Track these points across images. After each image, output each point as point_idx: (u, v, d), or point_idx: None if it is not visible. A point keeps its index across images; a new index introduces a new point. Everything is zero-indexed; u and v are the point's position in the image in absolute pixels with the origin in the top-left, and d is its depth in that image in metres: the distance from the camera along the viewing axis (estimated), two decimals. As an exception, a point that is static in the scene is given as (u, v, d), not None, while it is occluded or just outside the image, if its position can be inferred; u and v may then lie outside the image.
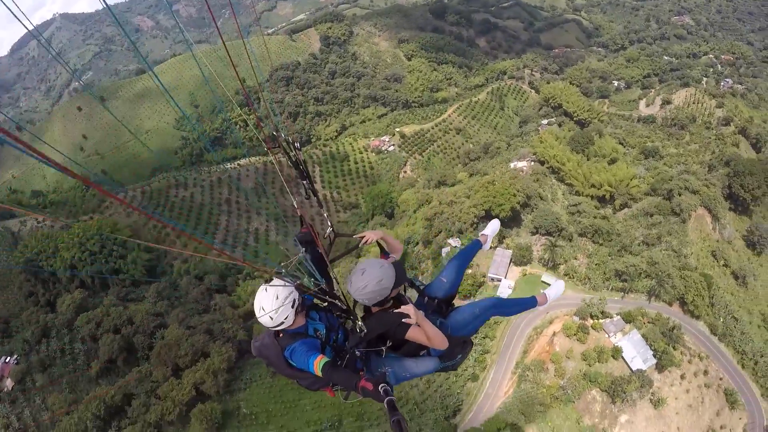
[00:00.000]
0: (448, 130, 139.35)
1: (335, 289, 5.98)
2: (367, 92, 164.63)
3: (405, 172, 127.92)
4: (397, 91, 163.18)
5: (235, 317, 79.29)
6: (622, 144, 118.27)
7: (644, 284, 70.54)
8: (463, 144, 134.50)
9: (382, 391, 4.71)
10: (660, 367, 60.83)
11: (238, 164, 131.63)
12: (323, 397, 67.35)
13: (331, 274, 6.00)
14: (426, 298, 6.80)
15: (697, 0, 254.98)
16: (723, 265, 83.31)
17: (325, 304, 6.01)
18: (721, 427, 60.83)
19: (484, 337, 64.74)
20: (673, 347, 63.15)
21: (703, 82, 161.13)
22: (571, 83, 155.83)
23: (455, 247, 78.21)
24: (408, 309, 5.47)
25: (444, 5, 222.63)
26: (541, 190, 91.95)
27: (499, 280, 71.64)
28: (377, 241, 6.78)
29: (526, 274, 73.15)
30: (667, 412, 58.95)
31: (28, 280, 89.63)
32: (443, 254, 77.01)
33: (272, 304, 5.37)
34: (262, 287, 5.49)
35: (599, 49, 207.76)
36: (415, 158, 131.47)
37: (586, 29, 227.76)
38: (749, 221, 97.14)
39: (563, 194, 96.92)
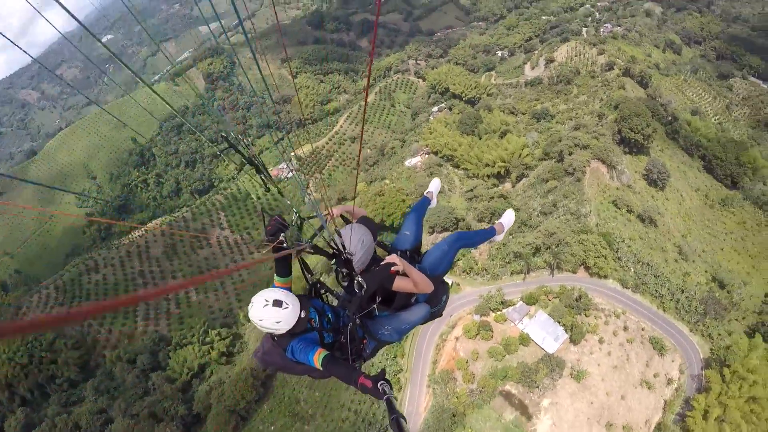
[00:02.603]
0: (342, 141, 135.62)
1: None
2: (259, 121, 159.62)
3: (309, 195, 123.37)
4: (288, 113, 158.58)
5: (173, 392, 76.35)
6: (513, 113, 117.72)
7: (545, 259, 68.79)
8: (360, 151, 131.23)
9: (380, 389, 4.81)
10: (574, 340, 59.12)
11: (145, 230, 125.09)
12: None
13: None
14: (398, 253, 6.81)
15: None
16: (627, 212, 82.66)
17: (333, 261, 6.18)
18: (655, 376, 59.46)
19: (393, 357, 61.88)
20: (585, 314, 61.77)
21: (583, 33, 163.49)
22: (456, 64, 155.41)
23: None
24: (392, 258, 5.93)
25: (321, 14, 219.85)
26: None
27: None
28: (341, 215, 6.95)
29: None
30: (592, 382, 57.28)
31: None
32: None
33: (276, 313, 5.47)
34: (261, 301, 5.52)
35: (479, 23, 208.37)
36: (315, 178, 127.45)
37: (464, 7, 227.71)
38: (647, 159, 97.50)
39: (460, 181, 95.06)
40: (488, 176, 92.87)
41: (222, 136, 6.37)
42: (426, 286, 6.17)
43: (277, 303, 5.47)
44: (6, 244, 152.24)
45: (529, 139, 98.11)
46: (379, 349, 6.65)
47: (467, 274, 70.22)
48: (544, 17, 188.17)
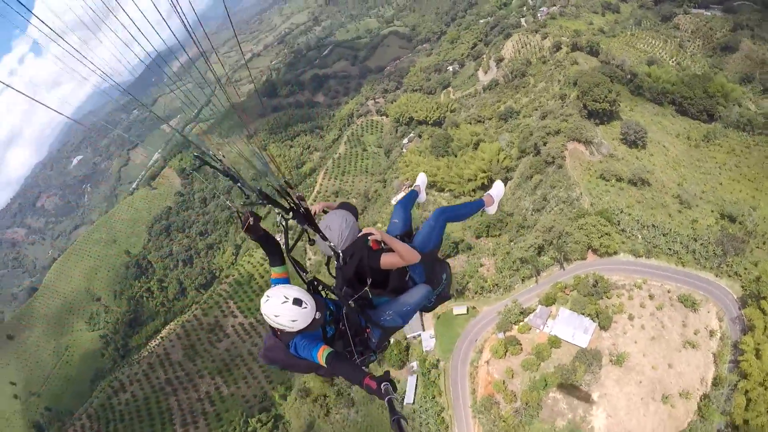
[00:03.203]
0: (326, 198, 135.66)
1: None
2: (241, 201, 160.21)
3: (309, 259, 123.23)
4: (268, 185, 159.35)
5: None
6: (480, 121, 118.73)
7: (551, 255, 68.44)
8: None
9: (383, 390, 4.85)
10: (603, 326, 58.45)
11: (161, 338, 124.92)
12: None
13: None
14: None
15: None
16: (617, 181, 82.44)
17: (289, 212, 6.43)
18: (696, 332, 58.44)
19: (432, 398, 61.30)
20: (607, 297, 61.14)
21: (523, 23, 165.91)
22: (412, 91, 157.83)
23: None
24: (368, 229, 6.06)
25: (272, 82, 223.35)
26: (427, 214, 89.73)
27: (419, 335, 69.19)
28: (323, 210, 6.95)
29: (439, 317, 69.62)
30: (634, 361, 56.39)
31: None
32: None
33: (293, 312, 5.43)
34: (279, 297, 5.48)
35: (424, 45, 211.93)
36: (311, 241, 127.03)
37: (404, 35, 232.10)
38: (620, 123, 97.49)
39: (448, 203, 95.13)
40: (474, 190, 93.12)
41: (195, 155, 6.44)
42: (411, 255, 6.12)
43: (297, 302, 5.48)
44: (30, 384, 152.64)
45: (502, 142, 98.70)
46: (386, 339, 6.66)
47: (479, 294, 69.88)
48: (481, 21, 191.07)
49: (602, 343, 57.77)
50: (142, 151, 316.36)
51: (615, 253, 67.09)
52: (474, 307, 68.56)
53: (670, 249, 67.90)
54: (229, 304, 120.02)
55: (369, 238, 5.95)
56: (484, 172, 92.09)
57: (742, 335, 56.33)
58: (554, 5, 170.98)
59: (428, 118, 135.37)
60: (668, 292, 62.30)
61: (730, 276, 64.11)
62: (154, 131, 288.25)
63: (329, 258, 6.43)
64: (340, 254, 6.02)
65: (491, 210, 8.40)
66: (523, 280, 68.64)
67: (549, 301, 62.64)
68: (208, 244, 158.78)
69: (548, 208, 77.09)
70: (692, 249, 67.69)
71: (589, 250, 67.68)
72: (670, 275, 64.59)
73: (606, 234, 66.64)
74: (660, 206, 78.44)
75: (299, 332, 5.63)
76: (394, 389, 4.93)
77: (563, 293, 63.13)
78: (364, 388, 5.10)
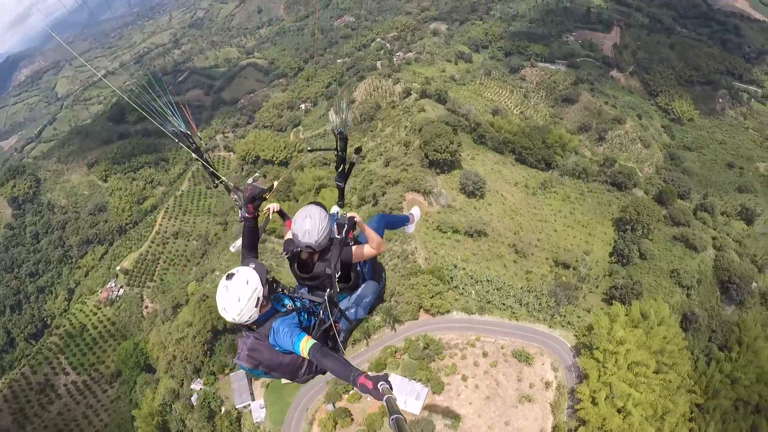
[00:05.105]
0: (165, 240, 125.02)
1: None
2: (77, 239, 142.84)
3: (146, 307, 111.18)
4: (106, 222, 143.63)
5: None
6: (326, 164, 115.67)
7: (381, 317, 65.69)
8: (186, 246, 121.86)
9: (381, 390, 4.78)
10: (436, 390, 56.58)
11: None
12: None
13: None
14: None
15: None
16: (453, 233, 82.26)
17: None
18: (531, 386, 58.57)
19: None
20: (439, 358, 59.53)
21: (378, 66, 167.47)
22: (263, 127, 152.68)
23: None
24: (352, 213, 6.58)
25: (121, 107, 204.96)
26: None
27: (249, 405, 65.46)
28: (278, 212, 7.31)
29: (268, 385, 65.02)
30: (470, 423, 54.96)
31: None
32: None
33: (236, 305, 5.38)
34: (223, 284, 5.46)
35: (280, 80, 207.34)
36: (148, 287, 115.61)
37: (263, 68, 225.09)
38: (460, 172, 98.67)
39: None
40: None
41: (172, 131, 7.00)
42: (379, 243, 6.90)
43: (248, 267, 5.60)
44: None
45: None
46: (351, 332, 7.29)
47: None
48: (339, 60, 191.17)
49: (436, 408, 55.80)
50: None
51: (447, 311, 65.85)
52: (300, 376, 63.95)
53: (503, 304, 68.51)
54: (60, 360, 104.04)
55: (355, 219, 6.53)
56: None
57: (578, 382, 57.95)
58: (410, 51, 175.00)
59: (275, 158, 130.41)
60: (502, 348, 62.32)
61: (563, 326, 66.18)
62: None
63: (296, 253, 6.49)
64: (344, 225, 6.25)
65: (410, 229, 9.80)
66: (353, 343, 64.88)
67: (379, 366, 59.64)
68: (39, 287, 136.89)
69: (383, 263, 74.58)
70: (525, 302, 69.12)
71: (421, 310, 65.75)
72: (504, 330, 64.84)
73: (437, 294, 65.31)
74: (496, 257, 79.38)
75: (271, 317, 5.78)
76: (391, 389, 4.83)
77: (394, 358, 60.52)
78: (359, 387, 4.95)
